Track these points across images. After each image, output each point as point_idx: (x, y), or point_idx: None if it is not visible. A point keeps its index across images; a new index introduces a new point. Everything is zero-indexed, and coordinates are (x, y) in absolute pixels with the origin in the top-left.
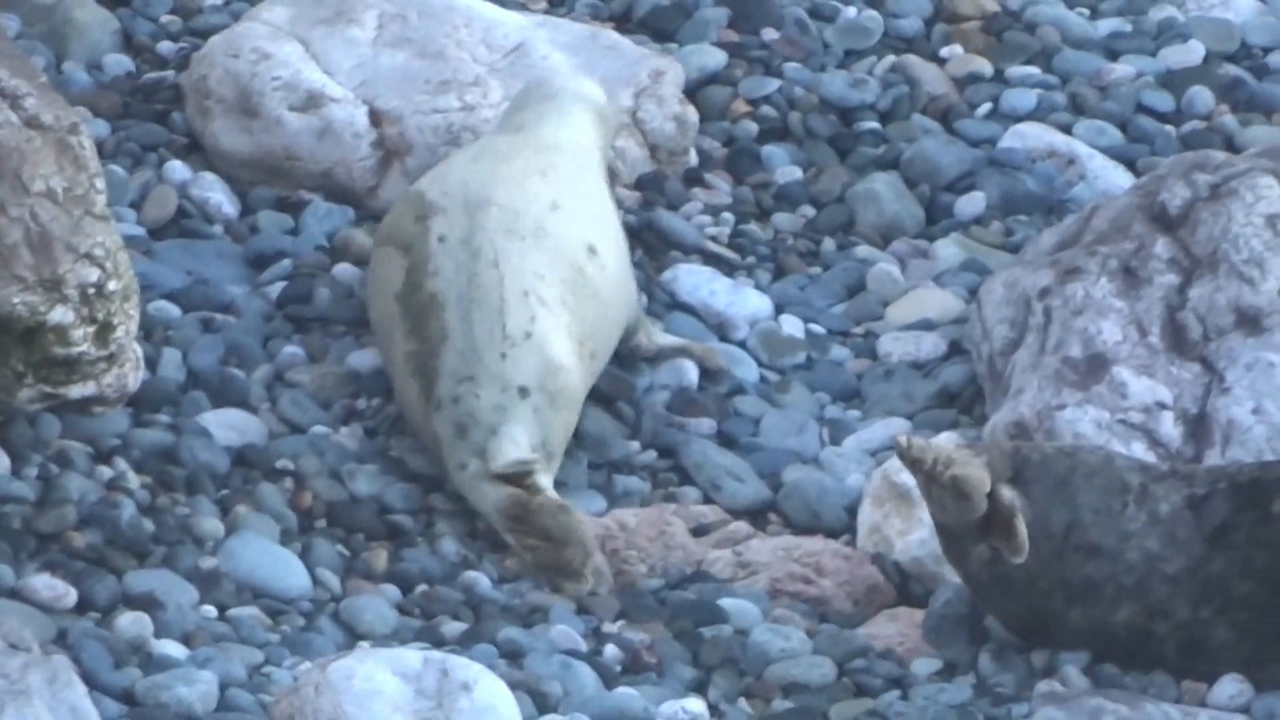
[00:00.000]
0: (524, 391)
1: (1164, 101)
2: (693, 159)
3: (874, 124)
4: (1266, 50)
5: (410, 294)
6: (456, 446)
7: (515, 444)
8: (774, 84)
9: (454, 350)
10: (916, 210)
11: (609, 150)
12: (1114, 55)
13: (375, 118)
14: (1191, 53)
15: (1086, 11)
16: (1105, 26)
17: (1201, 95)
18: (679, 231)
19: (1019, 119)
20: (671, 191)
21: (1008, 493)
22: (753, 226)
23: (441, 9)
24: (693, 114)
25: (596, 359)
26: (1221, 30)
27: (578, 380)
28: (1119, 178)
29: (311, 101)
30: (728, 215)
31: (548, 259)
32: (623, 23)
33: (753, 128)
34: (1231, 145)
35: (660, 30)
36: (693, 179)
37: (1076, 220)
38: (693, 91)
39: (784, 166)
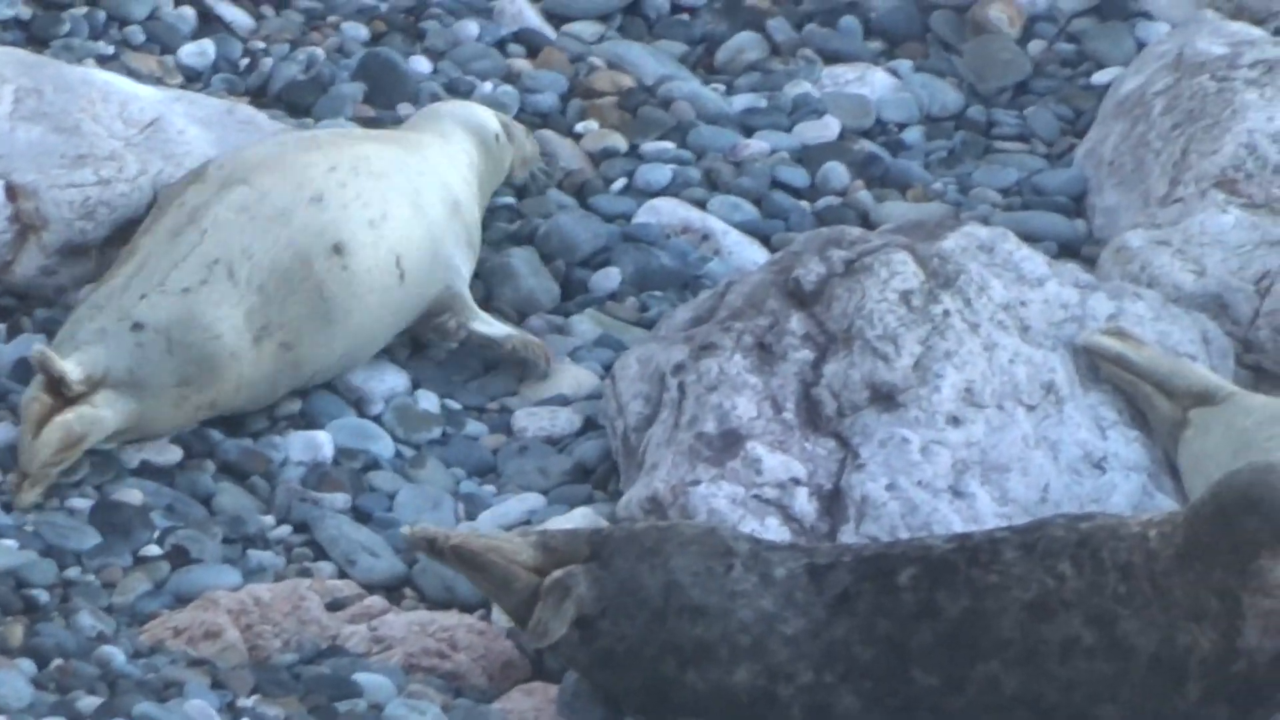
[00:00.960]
0: (139, 327)
1: (799, 177)
2: None
3: (510, 199)
4: (901, 126)
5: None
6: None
7: (72, 358)
8: None
9: (109, 285)
10: (552, 286)
11: (494, 173)
12: (749, 131)
13: (11, 192)
14: (827, 128)
15: (722, 87)
16: (740, 102)
17: (836, 171)
18: None
19: (654, 194)
20: None
21: (560, 572)
22: None
23: (78, 83)
24: None
25: (293, 351)
26: (857, 106)
27: (230, 354)
28: (754, 253)
29: None
30: None
31: (268, 244)
32: (259, 97)
33: None
34: (866, 221)
35: (296, 105)
36: None
37: (711, 296)
38: None
39: None
